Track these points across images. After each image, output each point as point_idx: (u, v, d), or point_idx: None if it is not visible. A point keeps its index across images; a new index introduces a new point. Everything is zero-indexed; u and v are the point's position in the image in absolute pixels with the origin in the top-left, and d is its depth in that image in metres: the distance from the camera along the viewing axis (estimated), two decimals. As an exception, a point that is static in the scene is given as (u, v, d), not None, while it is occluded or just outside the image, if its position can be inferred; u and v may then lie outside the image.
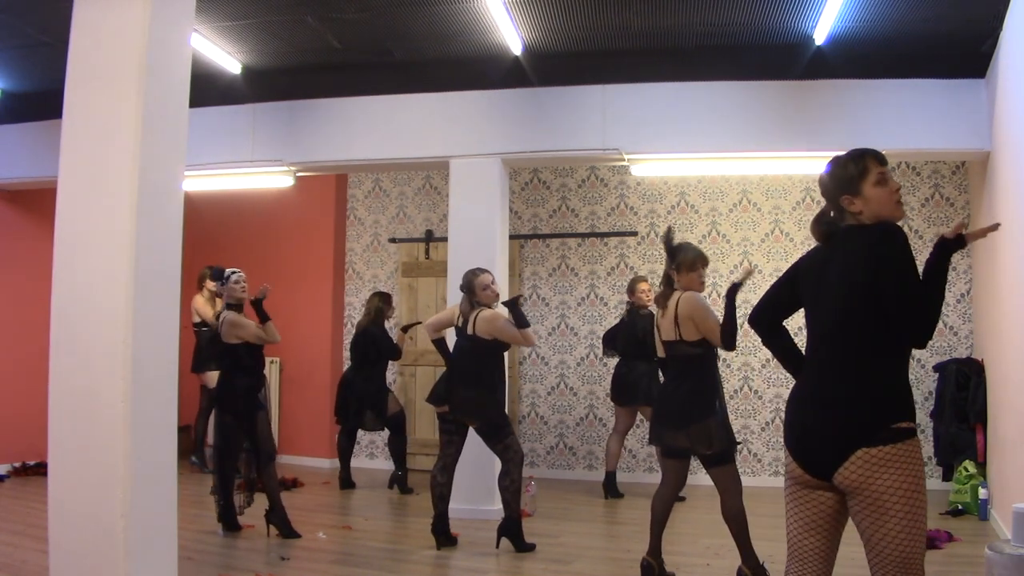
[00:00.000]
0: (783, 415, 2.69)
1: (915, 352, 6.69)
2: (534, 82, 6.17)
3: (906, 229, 6.92)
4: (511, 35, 5.54)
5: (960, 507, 5.77)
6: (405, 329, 6.98)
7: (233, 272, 5.31)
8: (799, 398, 2.48)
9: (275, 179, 6.72)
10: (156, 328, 3.51)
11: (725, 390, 6.33)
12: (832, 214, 2.54)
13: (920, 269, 2.33)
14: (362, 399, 6.80)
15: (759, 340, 2.73)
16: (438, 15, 5.31)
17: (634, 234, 7.61)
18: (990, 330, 5.92)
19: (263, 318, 5.24)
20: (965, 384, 6.16)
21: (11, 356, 7.11)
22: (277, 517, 5.19)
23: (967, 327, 6.89)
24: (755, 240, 7.35)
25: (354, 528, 5.60)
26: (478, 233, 6.03)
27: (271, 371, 7.75)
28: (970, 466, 5.89)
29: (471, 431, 5.04)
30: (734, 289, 4.06)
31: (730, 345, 4.06)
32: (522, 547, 4.90)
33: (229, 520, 5.29)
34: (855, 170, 2.45)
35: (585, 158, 6.48)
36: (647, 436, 7.29)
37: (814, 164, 5.35)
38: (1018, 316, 4.69)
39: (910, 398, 2.35)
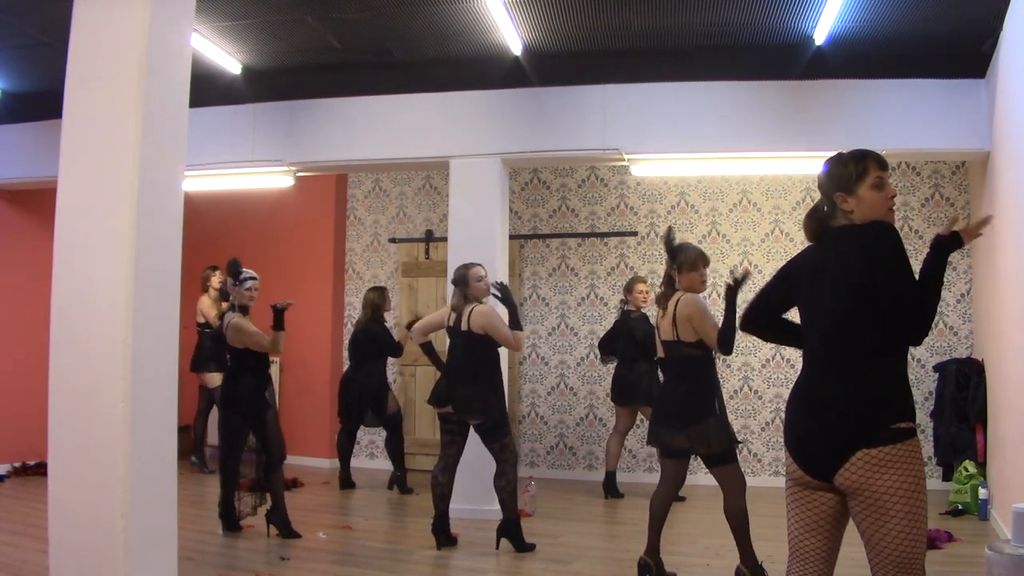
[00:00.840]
0: (783, 415, 2.69)
1: (915, 352, 6.72)
2: (534, 82, 6.17)
3: (906, 229, 6.93)
4: (511, 35, 5.54)
5: (960, 507, 5.77)
6: (409, 326, 6.98)
7: (250, 278, 5.24)
8: (798, 398, 2.48)
9: (275, 179, 6.72)
10: (156, 328, 3.51)
11: (725, 390, 6.35)
12: (825, 209, 2.55)
13: (917, 267, 2.34)
14: (363, 395, 6.78)
15: (758, 340, 2.74)
16: (438, 15, 5.31)
17: (634, 234, 7.61)
18: (990, 330, 5.92)
19: (278, 327, 5.18)
20: (965, 384, 6.16)
21: (11, 356, 7.11)
22: (278, 517, 5.19)
23: (967, 327, 6.89)
24: (755, 240, 7.35)
25: (354, 528, 5.60)
26: (478, 233, 6.03)
27: (272, 371, 7.74)
28: (970, 466, 5.89)
29: (472, 431, 5.04)
30: (733, 293, 4.04)
31: (727, 350, 4.04)
32: (522, 547, 4.90)
33: (229, 520, 5.29)
34: (855, 170, 2.45)
35: (585, 158, 6.48)
36: (647, 436, 7.33)
37: (814, 164, 5.32)
38: (1018, 316, 4.69)
39: (909, 398, 2.35)
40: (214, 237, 8.19)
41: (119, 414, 3.32)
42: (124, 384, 3.34)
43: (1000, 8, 4.85)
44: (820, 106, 5.77)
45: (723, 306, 4.10)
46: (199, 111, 5.02)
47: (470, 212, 6.08)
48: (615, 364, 6.76)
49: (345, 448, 6.98)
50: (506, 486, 4.87)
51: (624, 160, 6.12)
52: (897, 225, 2.58)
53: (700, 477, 6.31)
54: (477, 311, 4.92)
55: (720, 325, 4.05)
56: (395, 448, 6.87)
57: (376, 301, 6.92)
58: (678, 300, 4.18)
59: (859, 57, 5.65)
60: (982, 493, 5.64)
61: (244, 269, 5.26)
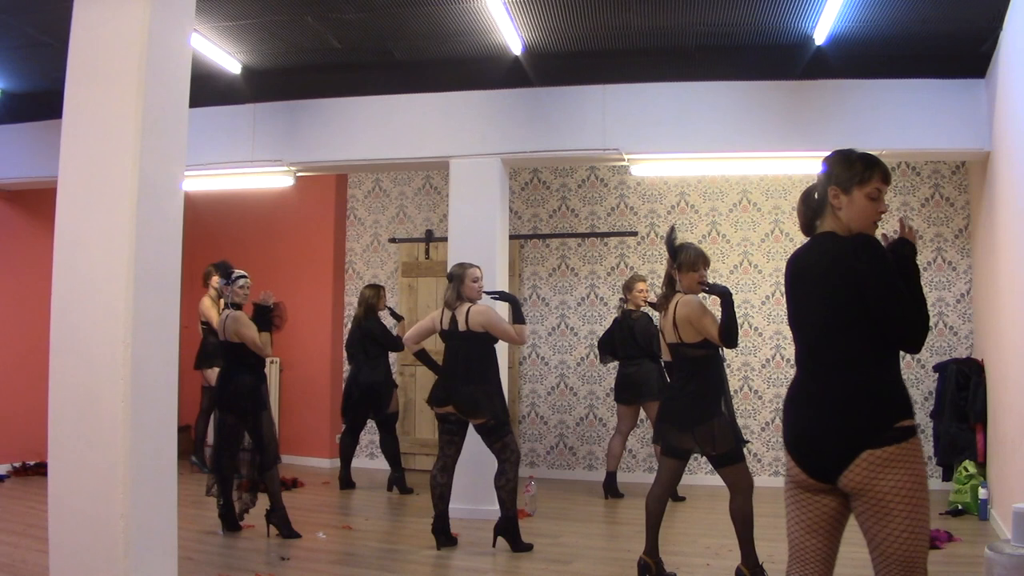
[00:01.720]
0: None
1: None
2: (534, 82, 6.17)
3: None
4: (511, 35, 5.54)
5: (960, 507, 5.77)
6: (397, 317, 6.98)
7: (240, 276, 5.33)
8: (796, 401, 2.47)
9: (275, 179, 6.72)
10: (156, 328, 3.51)
11: (725, 390, 6.35)
12: (816, 197, 2.54)
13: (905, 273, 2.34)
14: (367, 390, 6.76)
15: (758, 340, 2.74)
16: (438, 15, 5.31)
17: (634, 234, 7.61)
18: (990, 330, 5.92)
19: (261, 327, 5.22)
20: (965, 384, 6.15)
21: (11, 356, 7.11)
22: (278, 517, 5.19)
23: (967, 327, 6.89)
24: (755, 240, 7.35)
25: (354, 528, 5.60)
26: (478, 233, 6.03)
27: (271, 371, 7.74)
28: (970, 466, 5.89)
29: (471, 431, 5.05)
30: (722, 291, 4.12)
31: (731, 343, 4.07)
32: (519, 547, 4.90)
33: (229, 520, 5.29)
34: (859, 172, 2.44)
35: (585, 158, 6.48)
36: (648, 436, 7.33)
37: (814, 164, 5.34)
38: (1018, 316, 4.69)
39: (905, 394, 2.35)
40: (214, 237, 8.19)
41: (119, 414, 3.32)
42: (124, 384, 3.33)
43: (1000, 8, 4.85)
44: (820, 106, 5.77)
45: (720, 305, 4.12)
46: (199, 111, 5.03)
47: (470, 212, 6.08)
48: (616, 364, 6.76)
49: (347, 448, 6.97)
50: (505, 485, 4.87)
51: (624, 160, 6.12)
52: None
53: (700, 477, 6.34)
54: (475, 310, 4.93)
55: (720, 320, 4.06)
56: (390, 448, 6.85)
57: (371, 299, 6.91)
58: (677, 302, 4.19)
59: (859, 57, 5.65)
60: (982, 493, 5.64)
61: (235, 269, 5.35)
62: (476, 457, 5.42)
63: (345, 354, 7.61)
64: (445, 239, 6.81)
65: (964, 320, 6.90)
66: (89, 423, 3.36)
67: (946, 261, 6.95)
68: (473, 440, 5.08)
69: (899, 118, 5.65)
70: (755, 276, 7.25)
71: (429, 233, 8.11)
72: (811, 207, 2.55)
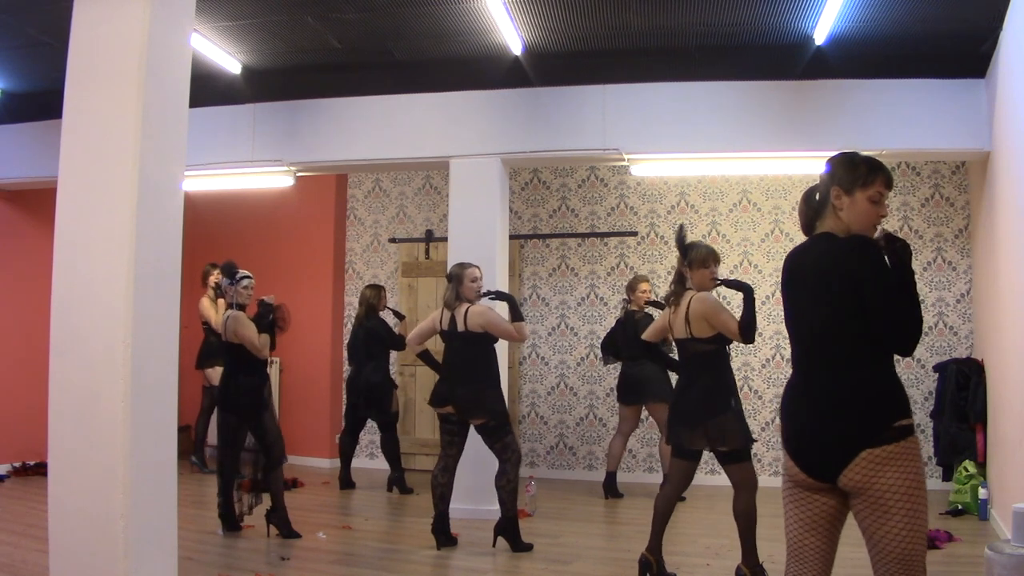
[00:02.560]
0: (782, 415, 2.68)
1: (915, 352, 6.70)
2: (534, 82, 6.17)
3: (906, 229, 6.93)
4: (511, 35, 5.54)
5: (960, 507, 5.76)
6: (399, 316, 6.98)
7: (244, 277, 5.31)
8: (794, 400, 2.48)
9: (275, 179, 6.72)
10: (156, 328, 3.51)
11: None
12: (817, 197, 2.55)
13: (918, 268, 2.34)
14: (368, 392, 6.77)
15: (758, 340, 2.74)
16: (438, 15, 5.31)
17: (634, 234, 7.61)
18: (990, 330, 5.92)
19: (261, 329, 5.22)
20: (965, 384, 6.15)
21: (11, 356, 7.11)
22: (278, 517, 5.19)
23: (967, 327, 6.89)
24: (755, 240, 7.35)
25: (354, 528, 5.60)
26: (478, 233, 6.03)
27: (271, 371, 7.74)
28: (970, 466, 5.89)
29: (471, 431, 5.05)
30: (744, 286, 4.15)
31: (750, 338, 4.09)
32: (519, 547, 4.90)
33: (229, 520, 5.29)
34: (863, 175, 2.44)
35: (585, 158, 6.48)
36: (648, 436, 7.33)
37: (814, 164, 5.35)
38: (1018, 316, 4.69)
39: (903, 393, 2.35)
40: (214, 237, 8.19)
41: (119, 414, 3.32)
42: (124, 384, 3.33)
43: (1000, 8, 4.85)
44: (820, 106, 5.77)
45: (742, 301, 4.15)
46: (199, 111, 5.02)
47: (470, 212, 6.08)
48: (618, 365, 6.75)
49: (347, 448, 6.97)
50: (506, 485, 4.87)
51: (624, 160, 6.12)
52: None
53: (700, 477, 6.29)
54: (473, 311, 4.93)
55: (742, 316, 4.08)
56: (390, 448, 6.85)
57: (372, 300, 6.91)
58: (691, 300, 4.21)
59: (859, 57, 5.65)
60: (982, 493, 5.64)
61: (239, 269, 5.33)
62: (477, 457, 5.42)
63: (345, 354, 7.62)
64: (445, 239, 6.81)
65: (964, 320, 6.90)
66: (89, 423, 3.36)
67: (946, 261, 6.95)
68: (474, 440, 5.08)
69: (899, 118, 5.65)
70: (755, 276, 7.24)
71: (429, 233, 8.12)
72: (812, 207, 2.55)
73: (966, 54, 5.48)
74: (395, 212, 8.31)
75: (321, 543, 5.12)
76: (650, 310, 6.52)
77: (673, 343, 4.45)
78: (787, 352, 7.09)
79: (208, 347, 7.12)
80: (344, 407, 7.09)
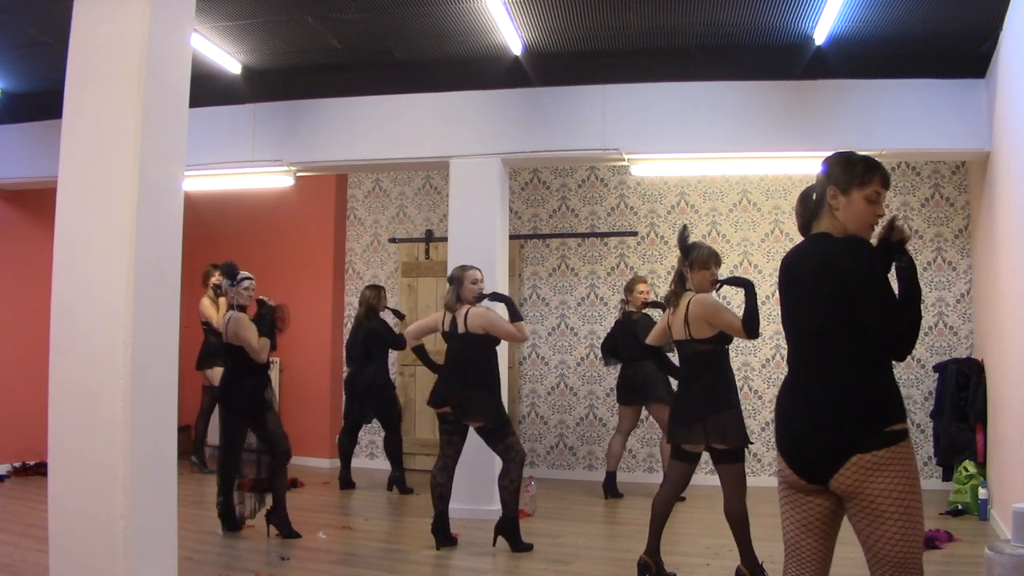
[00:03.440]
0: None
1: (915, 352, 6.71)
2: (534, 82, 6.17)
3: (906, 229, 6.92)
4: (511, 35, 5.54)
5: (960, 507, 5.76)
6: (399, 315, 6.98)
7: (246, 278, 5.30)
8: (788, 402, 2.47)
9: (275, 179, 6.72)
10: (156, 328, 3.51)
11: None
12: (813, 198, 2.53)
13: (919, 268, 2.34)
14: (368, 393, 6.77)
15: (758, 340, 2.73)
16: (438, 15, 5.31)
17: (634, 234, 7.61)
18: (990, 330, 5.92)
19: (261, 331, 5.21)
20: (965, 384, 6.15)
21: (11, 356, 7.11)
22: (278, 517, 5.19)
23: (967, 327, 6.89)
24: (755, 240, 7.35)
25: (354, 528, 5.60)
26: (478, 233, 6.03)
27: (271, 371, 7.74)
28: (970, 466, 5.89)
29: (471, 431, 5.05)
30: (745, 282, 4.17)
31: (755, 333, 4.08)
32: (519, 547, 4.90)
33: (229, 520, 5.29)
34: (860, 174, 2.42)
35: (585, 158, 6.48)
36: (647, 436, 7.33)
37: (814, 164, 5.35)
38: (1018, 316, 4.69)
39: (898, 397, 2.33)
40: (214, 237, 8.20)
41: (119, 414, 3.32)
42: (124, 384, 3.33)
43: (1000, 8, 4.85)
44: (820, 106, 5.77)
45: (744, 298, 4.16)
46: (199, 111, 5.02)
47: (470, 212, 6.08)
48: (618, 365, 6.75)
49: (346, 448, 6.98)
50: (508, 485, 4.87)
51: (624, 160, 6.12)
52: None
53: (700, 477, 6.28)
54: (473, 312, 4.94)
55: (744, 311, 4.08)
56: (393, 448, 6.86)
57: (372, 300, 6.91)
58: (690, 301, 4.21)
59: (859, 57, 5.65)
60: (982, 493, 5.64)
61: (240, 270, 5.32)
62: (476, 457, 5.42)
63: (345, 355, 7.61)
64: (445, 239, 6.81)
65: (964, 320, 6.90)
66: (89, 423, 3.36)
67: (946, 261, 6.95)
68: (473, 440, 5.08)
69: (899, 118, 5.65)
70: (755, 276, 7.24)
71: (429, 233, 8.12)
72: (809, 207, 2.54)
73: (966, 54, 5.48)
74: (395, 212, 8.31)
75: (321, 543, 5.12)
76: (648, 311, 6.52)
77: (673, 344, 4.45)
78: (787, 352, 7.11)
79: (208, 347, 7.12)
80: (344, 407, 7.08)
